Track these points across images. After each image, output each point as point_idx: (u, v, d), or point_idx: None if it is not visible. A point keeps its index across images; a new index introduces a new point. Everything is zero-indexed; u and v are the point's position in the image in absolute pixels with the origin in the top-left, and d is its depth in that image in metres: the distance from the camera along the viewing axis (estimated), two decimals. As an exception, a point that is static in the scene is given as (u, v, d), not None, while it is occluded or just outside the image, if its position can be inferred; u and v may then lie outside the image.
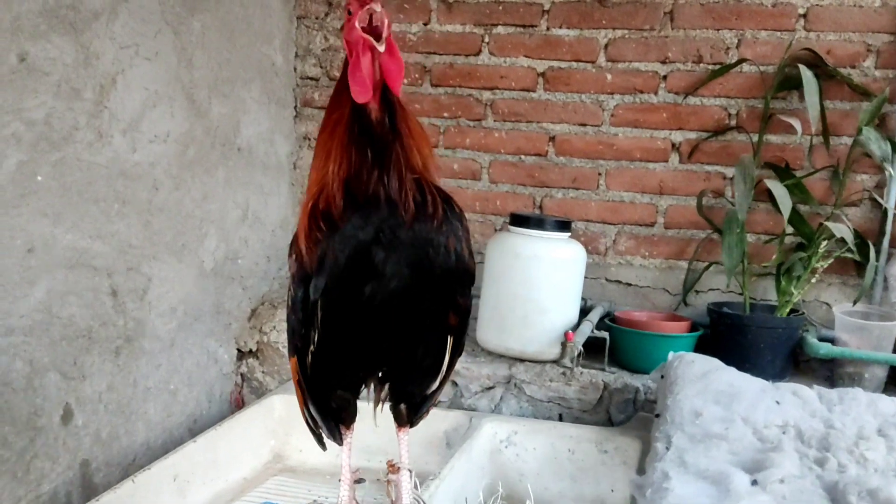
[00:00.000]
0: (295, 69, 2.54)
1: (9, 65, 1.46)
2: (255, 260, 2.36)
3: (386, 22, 0.92)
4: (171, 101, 1.94)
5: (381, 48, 0.91)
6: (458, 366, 2.10)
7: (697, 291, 2.29)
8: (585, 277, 2.26)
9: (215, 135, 2.14)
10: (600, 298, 2.35)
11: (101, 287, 1.75)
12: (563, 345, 1.81)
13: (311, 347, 1.01)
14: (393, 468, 1.18)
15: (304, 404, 1.11)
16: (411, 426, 1.13)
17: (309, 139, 2.57)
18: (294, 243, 1.00)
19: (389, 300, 0.96)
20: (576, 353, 1.79)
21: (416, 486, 1.15)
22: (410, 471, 1.11)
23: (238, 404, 2.29)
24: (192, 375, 2.10)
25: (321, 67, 2.53)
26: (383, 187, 0.93)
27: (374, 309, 0.97)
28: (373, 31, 0.93)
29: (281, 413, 2.00)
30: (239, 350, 2.29)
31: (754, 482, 1.31)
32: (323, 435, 1.16)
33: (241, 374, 2.29)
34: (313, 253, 0.95)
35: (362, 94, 0.94)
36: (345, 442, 1.15)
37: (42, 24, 1.53)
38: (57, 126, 1.60)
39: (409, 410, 1.13)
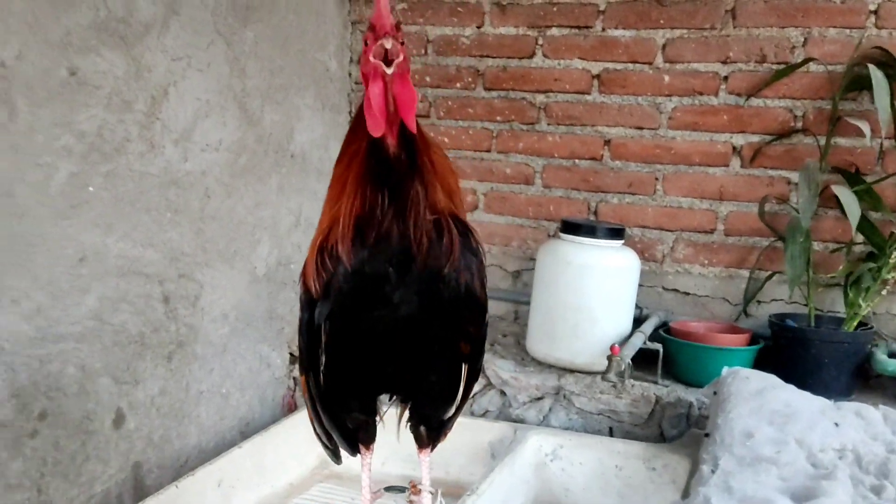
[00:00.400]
0: (349, 74, 2.55)
1: (59, 79, 1.51)
2: (308, 265, 2.38)
3: (401, 55, 0.90)
4: (223, 110, 1.97)
5: (389, 71, 0.89)
6: (506, 375, 2.08)
7: (759, 302, 2.19)
8: (641, 286, 2.19)
9: (268, 142, 2.16)
10: (657, 307, 2.28)
11: (153, 294, 1.80)
12: (609, 359, 1.75)
13: (321, 368, 1.00)
14: (415, 489, 1.17)
15: (312, 420, 1.11)
16: (431, 449, 1.11)
17: (363, 144, 2.58)
18: (303, 274, 0.99)
19: (396, 327, 0.94)
20: (622, 368, 1.73)
21: None
22: (432, 492, 1.09)
23: (290, 408, 2.31)
24: (244, 380, 2.13)
25: (375, 72, 2.53)
26: (397, 226, 0.91)
27: (381, 335, 0.95)
28: (388, 63, 0.90)
29: (328, 419, 2.01)
30: (291, 354, 2.32)
31: (802, 512, 1.24)
32: (340, 448, 1.15)
33: (294, 378, 2.32)
34: (319, 285, 0.94)
35: (376, 127, 0.91)
36: (364, 463, 1.14)
37: (92, 39, 1.57)
38: (108, 138, 1.64)
39: (428, 433, 1.11)
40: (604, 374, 1.73)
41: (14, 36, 1.41)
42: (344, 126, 2.56)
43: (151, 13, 1.71)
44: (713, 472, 1.41)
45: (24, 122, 1.45)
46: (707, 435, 1.61)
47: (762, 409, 1.59)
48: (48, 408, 1.54)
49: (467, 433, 1.91)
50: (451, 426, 1.11)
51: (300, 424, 1.99)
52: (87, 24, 1.55)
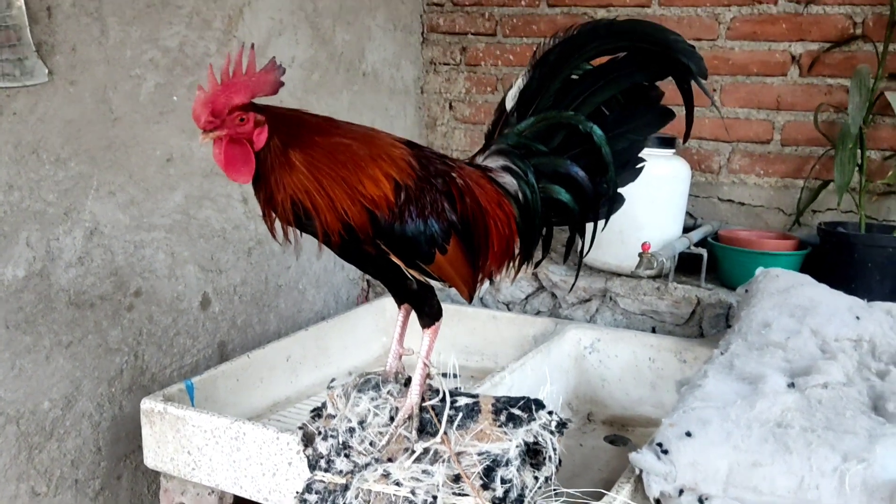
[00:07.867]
0: (421, -6, 2.67)
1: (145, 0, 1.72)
2: (380, 177, 2.55)
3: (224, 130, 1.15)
4: (295, 29, 2.15)
5: (209, 139, 1.14)
6: (556, 278, 2.21)
7: (815, 212, 2.21)
8: (697, 196, 2.25)
9: (339, 60, 2.33)
10: (712, 218, 2.33)
11: (234, 195, 2.02)
12: (640, 255, 1.85)
13: None
14: (404, 351, 1.37)
15: None
16: (423, 327, 1.29)
17: (435, 64, 2.71)
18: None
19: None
20: (654, 265, 1.83)
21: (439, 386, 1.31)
22: (427, 364, 1.27)
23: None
24: (319, 278, 2.36)
25: (446, -7, 2.64)
26: None
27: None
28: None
29: (392, 314, 2.21)
30: (364, 258, 2.52)
31: (791, 385, 1.33)
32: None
33: (367, 280, 2.53)
34: None
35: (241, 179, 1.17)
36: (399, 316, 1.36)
37: (173, -37, 1.77)
38: (190, 53, 1.85)
39: (418, 317, 1.30)
40: (633, 271, 1.83)
41: (104, -39, 1.62)
42: (416, 46, 2.70)
43: (226, -62, 1.89)
44: (722, 354, 1.51)
45: (115, 37, 1.67)
46: (729, 327, 1.70)
47: (785, 304, 1.65)
48: (143, 286, 1.80)
49: (513, 327, 2.07)
50: (424, 315, 1.28)
51: (364, 317, 2.20)
52: (168, -51, 1.75)
